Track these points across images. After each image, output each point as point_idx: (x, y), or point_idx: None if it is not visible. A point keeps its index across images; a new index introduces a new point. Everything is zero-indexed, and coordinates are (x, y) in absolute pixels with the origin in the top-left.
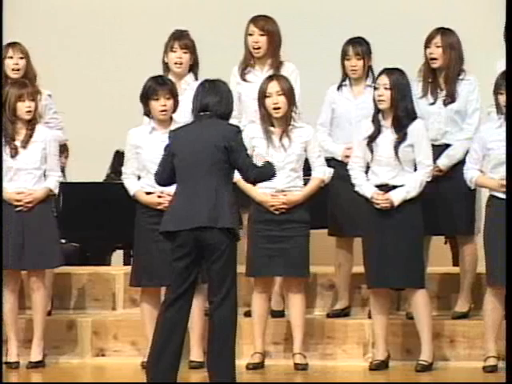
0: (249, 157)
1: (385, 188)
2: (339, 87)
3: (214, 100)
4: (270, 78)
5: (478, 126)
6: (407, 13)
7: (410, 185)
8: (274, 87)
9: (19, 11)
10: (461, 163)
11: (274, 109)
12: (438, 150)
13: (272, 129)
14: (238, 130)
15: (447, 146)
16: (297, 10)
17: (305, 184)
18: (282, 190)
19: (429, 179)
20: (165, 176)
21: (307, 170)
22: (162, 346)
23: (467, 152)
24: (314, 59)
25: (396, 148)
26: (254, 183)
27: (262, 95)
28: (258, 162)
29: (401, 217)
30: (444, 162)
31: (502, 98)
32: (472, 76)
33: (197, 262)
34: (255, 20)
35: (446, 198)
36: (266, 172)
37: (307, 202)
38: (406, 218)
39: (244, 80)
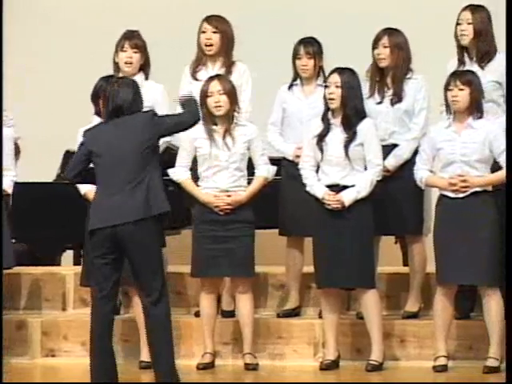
0: (173, 115)
1: (335, 188)
2: (290, 87)
3: (129, 99)
4: (211, 78)
5: (425, 126)
6: (358, 13)
7: (361, 185)
8: (215, 86)
9: None
10: (408, 163)
11: (216, 107)
12: (386, 150)
13: (215, 128)
14: (152, 114)
15: (395, 145)
16: (249, 10)
17: (249, 183)
18: (226, 190)
19: (379, 178)
20: (76, 172)
21: (252, 169)
22: (102, 345)
23: (415, 152)
24: (266, 59)
25: (346, 147)
26: (194, 123)
27: (204, 95)
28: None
29: (351, 217)
30: (391, 162)
31: (450, 94)
32: (419, 75)
33: (120, 259)
34: (208, 18)
35: (394, 198)
36: (193, 109)
37: (251, 202)
38: (357, 218)
39: (195, 79)
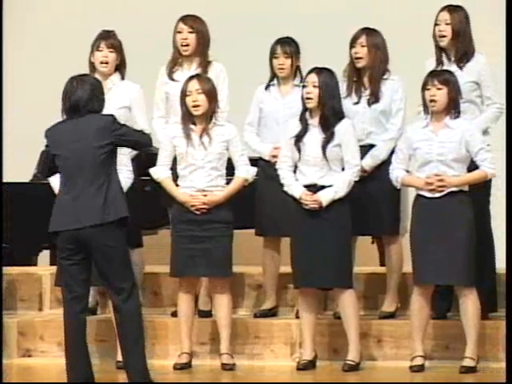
0: (135, 130)
1: (313, 188)
2: (267, 87)
3: (85, 97)
4: (190, 78)
5: (402, 126)
6: (336, 13)
7: (338, 185)
8: (194, 86)
9: None
10: (386, 163)
11: (194, 107)
12: (363, 150)
13: (193, 127)
14: (113, 119)
15: (372, 146)
16: (225, 9)
17: (228, 183)
18: (202, 189)
19: (356, 179)
20: (46, 171)
21: (232, 169)
22: (77, 345)
23: (391, 152)
24: (243, 59)
25: (324, 148)
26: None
27: (183, 94)
28: None
29: (329, 217)
30: (368, 162)
31: (428, 94)
32: (396, 76)
33: (88, 259)
34: (184, 18)
35: (371, 199)
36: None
37: (229, 202)
38: (335, 218)
39: (172, 79)
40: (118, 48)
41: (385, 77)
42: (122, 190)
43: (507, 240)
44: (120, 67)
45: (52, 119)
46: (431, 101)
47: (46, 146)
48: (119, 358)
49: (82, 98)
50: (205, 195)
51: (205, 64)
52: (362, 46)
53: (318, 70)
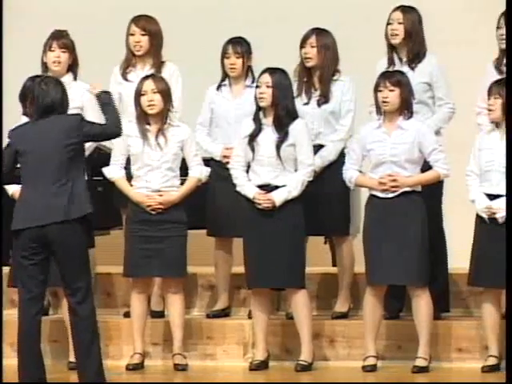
0: (96, 124)
1: (266, 188)
2: (219, 87)
3: (57, 98)
4: (145, 78)
5: (351, 127)
6: (288, 13)
7: (292, 184)
8: (149, 85)
9: None
10: (336, 163)
11: (149, 106)
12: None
13: (148, 127)
14: (80, 118)
15: (321, 146)
16: (176, 9)
17: (182, 183)
18: (158, 189)
19: (310, 179)
20: (4, 173)
21: (185, 169)
22: (30, 345)
23: (341, 153)
24: (196, 59)
25: (278, 147)
26: (115, 134)
27: (138, 94)
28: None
29: (282, 217)
30: (317, 162)
31: (381, 95)
32: (347, 77)
33: (47, 259)
34: (136, 20)
35: (321, 199)
36: (115, 120)
37: (184, 202)
38: (287, 217)
39: (125, 79)
40: (70, 48)
41: (335, 77)
42: (86, 189)
43: (507, 240)
44: (73, 67)
45: None
46: (383, 102)
47: (7, 146)
48: (71, 358)
49: (56, 99)
50: (160, 195)
51: (158, 64)
52: (312, 47)
53: (272, 71)
